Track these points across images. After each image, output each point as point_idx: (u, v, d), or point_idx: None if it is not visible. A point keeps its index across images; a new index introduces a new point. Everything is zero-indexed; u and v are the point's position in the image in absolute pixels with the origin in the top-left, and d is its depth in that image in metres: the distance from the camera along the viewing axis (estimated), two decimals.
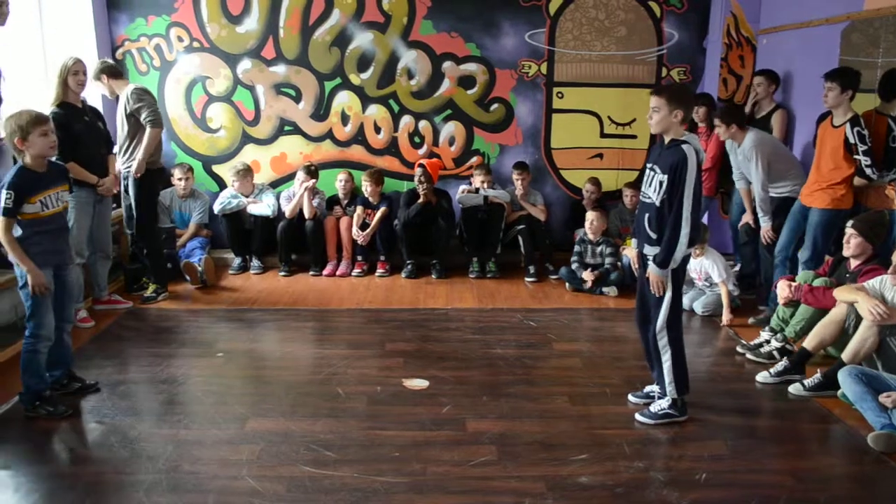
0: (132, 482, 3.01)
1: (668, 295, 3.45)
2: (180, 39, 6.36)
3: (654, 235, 3.43)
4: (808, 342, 4.06)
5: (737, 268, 5.80)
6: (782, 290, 4.37)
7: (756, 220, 5.25)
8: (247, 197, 6.30)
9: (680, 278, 3.50)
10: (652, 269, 3.45)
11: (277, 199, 6.38)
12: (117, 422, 3.54)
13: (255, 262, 6.32)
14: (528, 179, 6.42)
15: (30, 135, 3.44)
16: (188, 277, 5.80)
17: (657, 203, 3.38)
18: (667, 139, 3.41)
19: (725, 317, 5.04)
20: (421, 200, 6.12)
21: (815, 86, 4.98)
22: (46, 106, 4.70)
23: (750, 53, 6.33)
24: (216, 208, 6.25)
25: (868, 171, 4.39)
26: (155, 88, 6.40)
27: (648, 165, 3.50)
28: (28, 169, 3.50)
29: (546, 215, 6.42)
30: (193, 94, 6.48)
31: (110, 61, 5.46)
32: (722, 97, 6.37)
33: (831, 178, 4.54)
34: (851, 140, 4.39)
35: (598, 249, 5.87)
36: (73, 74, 4.67)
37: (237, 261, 6.32)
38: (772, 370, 4.13)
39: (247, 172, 6.32)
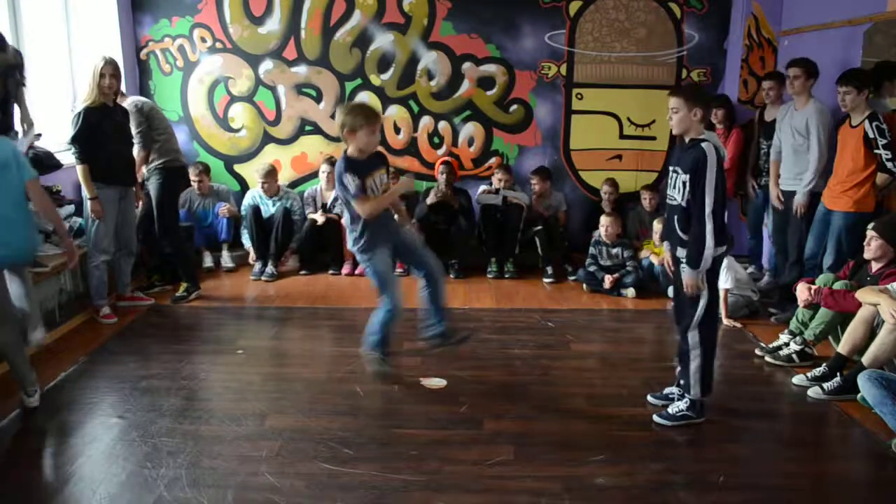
0: (153, 477, 3.05)
1: (705, 295, 3.43)
2: (203, 40, 6.43)
3: (684, 237, 3.41)
4: (842, 347, 3.99)
5: (750, 269, 5.75)
6: (801, 292, 4.33)
7: (784, 202, 5.12)
8: (271, 198, 6.33)
9: (714, 279, 3.48)
10: (685, 271, 3.44)
11: (301, 200, 6.44)
12: (139, 417, 3.60)
13: (269, 269, 6.13)
14: (545, 186, 6.38)
15: (358, 131, 3.71)
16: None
17: (683, 204, 3.38)
18: (687, 139, 3.42)
19: (724, 321, 4.99)
20: (431, 199, 6.17)
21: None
22: (79, 104, 4.79)
23: (771, 55, 6.28)
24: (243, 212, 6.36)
25: (889, 164, 4.35)
26: (178, 89, 6.50)
27: (671, 168, 3.50)
28: (350, 158, 3.78)
29: (556, 217, 6.42)
30: (216, 95, 6.55)
31: None
32: (742, 99, 6.33)
33: (852, 180, 4.51)
34: (871, 135, 4.36)
35: (614, 251, 5.86)
36: (101, 76, 4.73)
37: (258, 265, 6.19)
38: (809, 374, 4.07)
39: (272, 172, 6.34)
